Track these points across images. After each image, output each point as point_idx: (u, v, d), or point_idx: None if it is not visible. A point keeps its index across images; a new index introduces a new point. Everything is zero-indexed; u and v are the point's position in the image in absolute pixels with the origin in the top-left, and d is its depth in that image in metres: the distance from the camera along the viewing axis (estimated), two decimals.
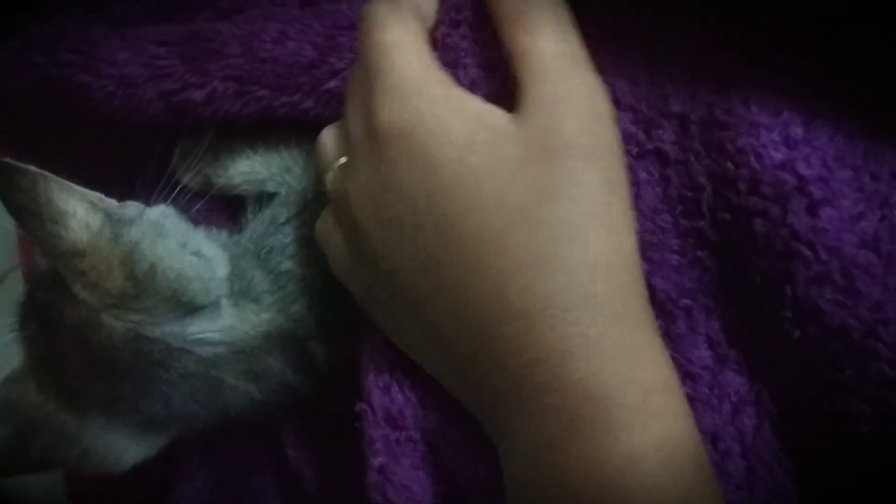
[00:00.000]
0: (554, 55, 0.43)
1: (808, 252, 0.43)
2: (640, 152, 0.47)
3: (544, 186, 0.42)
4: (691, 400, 0.44)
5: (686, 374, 0.46)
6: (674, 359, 0.45)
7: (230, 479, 0.66)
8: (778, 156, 0.45)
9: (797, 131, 0.45)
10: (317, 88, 0.59)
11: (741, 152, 0.46)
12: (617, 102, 0.47)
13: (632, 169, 0.47)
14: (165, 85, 0.59)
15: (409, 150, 0.43)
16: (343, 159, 0.48)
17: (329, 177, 0.50)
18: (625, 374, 0.39)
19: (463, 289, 0.42)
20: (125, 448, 0.57)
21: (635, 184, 0.47)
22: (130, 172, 0.61)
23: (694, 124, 0.47)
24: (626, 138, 0.47)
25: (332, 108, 0.59)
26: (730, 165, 0.46)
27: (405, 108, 0.43)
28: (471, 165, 0.42)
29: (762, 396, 0.46)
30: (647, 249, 0.46)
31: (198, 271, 0.56)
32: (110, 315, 0.53)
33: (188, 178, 0.63)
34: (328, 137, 0.52)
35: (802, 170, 0.44)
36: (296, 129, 0.63)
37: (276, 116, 0.60)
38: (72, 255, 0.53)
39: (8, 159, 0.54)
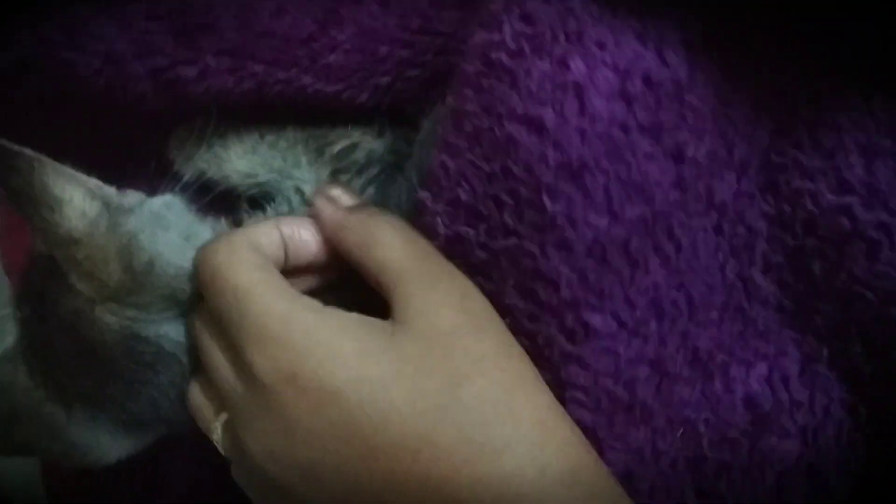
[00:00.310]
0: (408, 258, 0.44)
1: (869, 294, 0.43)
2: (703, 209, 0.45)
3: (451, 373, 0.41)
4: (727, 467, 0.45)
5: (723, 439, 0.46)
6: (710, 421, 0.45)
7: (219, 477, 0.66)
8: (833, 199, 0.44)
9: (856, 173, 0.44)
10: (316, 62, 0.55)
11: (797, 194, 0.45)
12: (682, 157, 0.45)
13: (689, 229, 0.45)
14: (154, 61, 0.55)
15: (303, 389, 0.41)
16: (223, 416, 0.46)
17: (215, 438, 0.47)
18: None
19: None
20: (110, 444, 0.55)
21: (692, 244, 0.45)
22: (125, 161, 0.57)
23: (752, 169, 0.46)
24: (690, 197, 0.45)
25: (332, 84, 0.55)
26: (786, 207, 0.46)
27: (282, 349, 0.42)
28: (373, 376, 0.41)
29: (815, 465, 0.46)
30: (695, 314, 0.45)
31: None
32: (105, 309, 0.50)
33: (185, 170, 0.59)
34: (197, 398, 0.49)
35: (860, 214, 0.43)
36: (294, 118, 0.59)
37: (272, 94, 0.56)
38: (67, 243, 0.50)
39: (2, 140, 0.50)
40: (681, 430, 0.45)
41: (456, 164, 0.47)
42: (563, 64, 0.44)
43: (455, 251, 0.47)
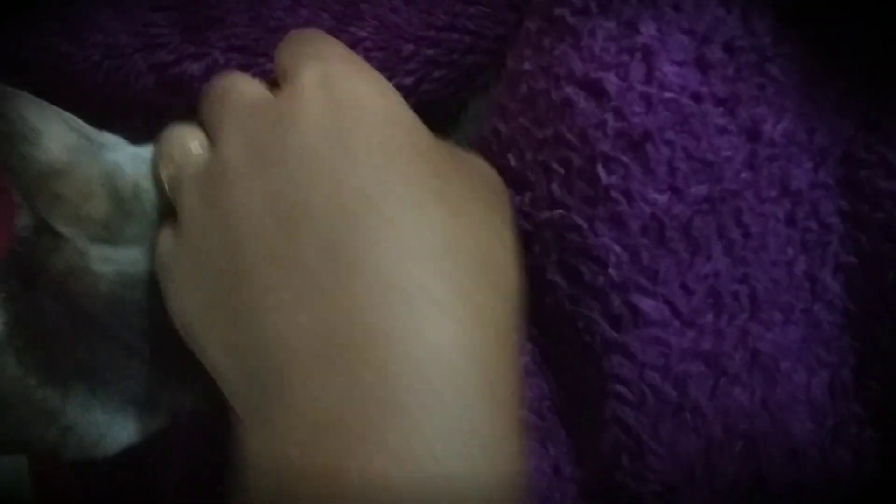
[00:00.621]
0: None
1: None
2: (776, 195, 0.41)
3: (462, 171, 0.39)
4: (797, 488, 0.40)
5: (790, 452, 0.41)
6: (771, 435, 0.41)
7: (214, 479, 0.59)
8: None
9: None
10: None
11: (878, 194, 0.41)
12: (758, 134, 0.41)
13: (760, 215, 0.41)
14: (158, 56, 0.53)
15: (330, 99, 0.38)
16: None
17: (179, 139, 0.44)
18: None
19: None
20: (109, 426, 0.51)
21: (762, 234, 0.41)
22: None
23: (832, 158, 0.42)
24: (763, 180, 0.41)
25: None
26: (864, 207, 0.42)
27: (337, 67, 0.40)
28: (405, 123, 0.39)
29: (875, 481, 0.41)
30: (758, 311, 0.41)
31: None
32: (99, 258, 0.48)
33: None
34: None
35: None
36: None
37: None
38: (48, 177, 0.47)
39: None
40: (740, 444, 0.40)
41: (507, 129, 0.44)
42: (632, 25, 0.41)
43: None
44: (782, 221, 0.42)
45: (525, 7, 0.46)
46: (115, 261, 0.47)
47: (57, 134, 0.48)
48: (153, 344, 0.49)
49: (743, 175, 0.41)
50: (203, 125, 0.44)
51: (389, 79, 0.52)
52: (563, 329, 0.42)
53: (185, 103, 0.53)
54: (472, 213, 0.37)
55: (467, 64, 0.51)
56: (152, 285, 0.48)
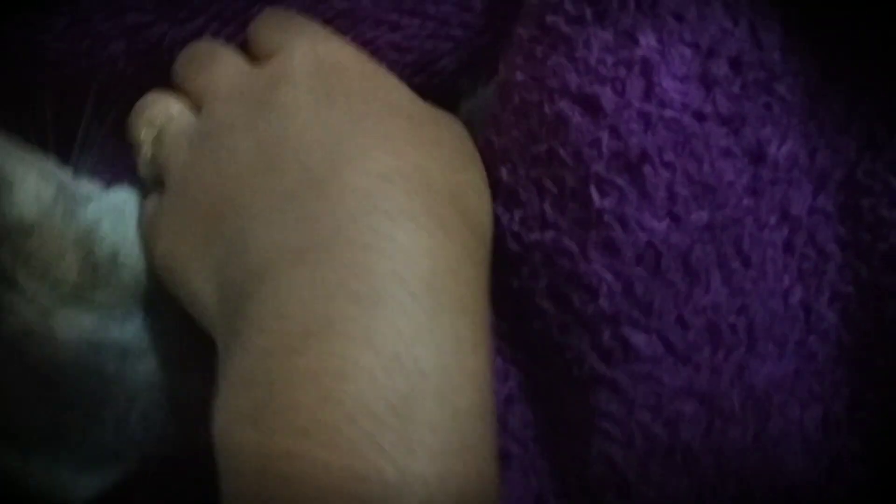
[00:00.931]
0: None
1: None
2: (776, 222, 0.39)
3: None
4: None
5: (784, 492, 0.39)
6: (765, 473, 0.39)
7: None
8: None
9: None
10: None
11: (881, 224, 0.40)
12: (763, 157, 0.39)
13: (759, 243, 0.39)
14: (131, 17, 0.48)
15: (318, 64, 0.42)
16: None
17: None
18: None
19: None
20: (73, 483, 0.47)
21: (761, 262, 0.39)
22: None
23: (833, 183, 0.40)
24: (764, 206, 0.39)
25: None
26: (865, 235, 0.40)
27: (323, 41, 0.44)
28: (384, 82, 0.43)
29: None
30: (755, 344, 0.39)
31: None
32: (62, 321, 0.44)
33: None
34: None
35: None
36: None
37: None
38: (17, 232, 0.44)
39: None
40: (733, 485, 0.38)
41: (501, 141, 0.41)
42: (630, 36, 0.38)
43: None
44: (780, 249, 0.40)
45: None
46: (79, 325, 0.44)
47: (31, 186, 0.45)
48: (117, 408, 0.45)
49: (745, 201, 0.39)
50: (180, 89, 0.46)
51: None
52: (550, 357, 0.40)
53: (155, 78, 0.49)
54: (445, 160, 0.39)
55: (426, 48, 0.49)
56: (116, 351, 0.45)
